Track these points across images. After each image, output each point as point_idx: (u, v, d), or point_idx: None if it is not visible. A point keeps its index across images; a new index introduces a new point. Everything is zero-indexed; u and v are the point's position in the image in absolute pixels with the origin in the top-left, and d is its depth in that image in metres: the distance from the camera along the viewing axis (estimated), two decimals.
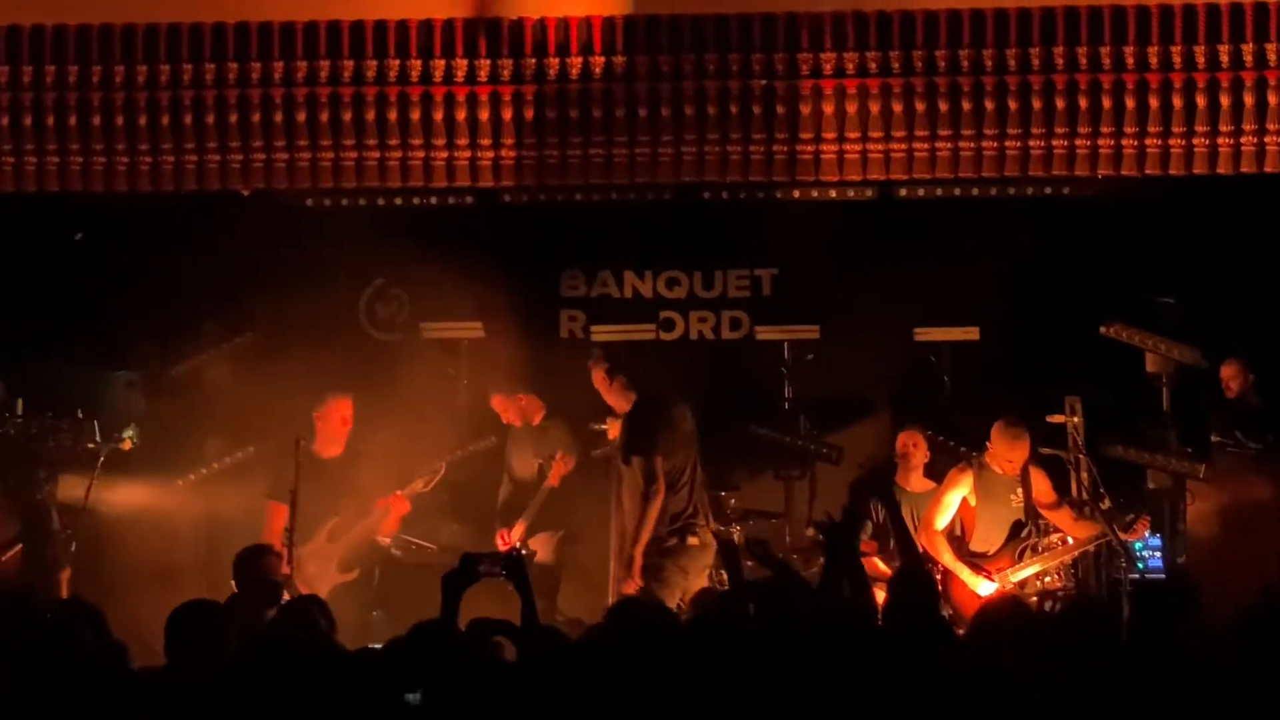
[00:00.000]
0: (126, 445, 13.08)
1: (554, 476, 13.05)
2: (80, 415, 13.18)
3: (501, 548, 12.96)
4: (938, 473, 12.95)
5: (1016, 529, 12.42)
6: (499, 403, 13.39)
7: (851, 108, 12.28)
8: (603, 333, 14.33)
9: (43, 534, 12.78)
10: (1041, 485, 12.47)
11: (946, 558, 12.35)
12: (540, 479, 13.18)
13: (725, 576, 9.95)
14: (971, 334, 14.16)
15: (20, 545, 12.85)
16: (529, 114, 12.26)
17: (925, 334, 14.24)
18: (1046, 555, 12.45)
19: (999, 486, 12.47)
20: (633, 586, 11.75)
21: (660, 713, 6.78)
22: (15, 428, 12.90)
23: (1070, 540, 12.47)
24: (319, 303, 13.78)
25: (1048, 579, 12.42)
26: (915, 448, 13.02)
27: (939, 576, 12.12)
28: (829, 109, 12.29)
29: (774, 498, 14.09)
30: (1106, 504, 12.36)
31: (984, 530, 12.50)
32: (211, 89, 12.26)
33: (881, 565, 12.36)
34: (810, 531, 12.68)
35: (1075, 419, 12.71)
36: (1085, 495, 12.53)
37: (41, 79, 12.37)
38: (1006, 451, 12.31)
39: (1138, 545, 12.82)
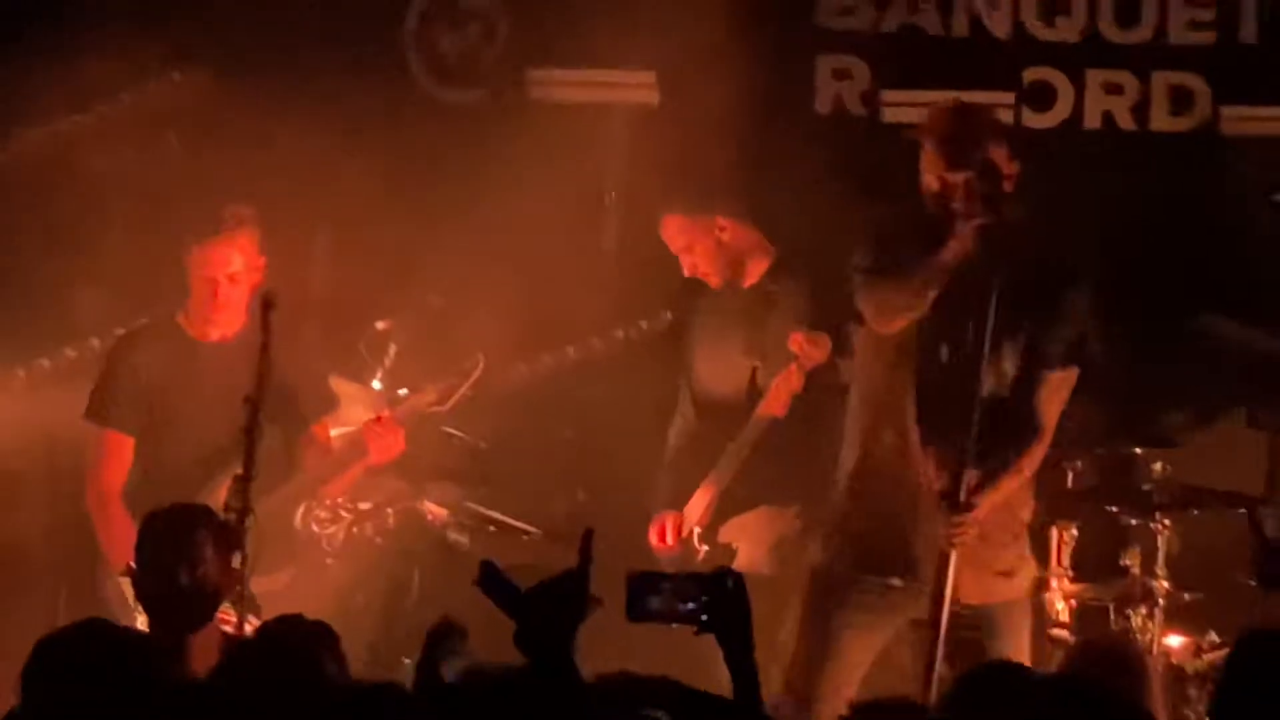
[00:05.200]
0: None
1: (779, 392, 8.43)
2: None
3: (660, 543, 8.59)
4: None
5: None
6: (676, 230, 8.82)
7: None
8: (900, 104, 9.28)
9: None
10: None
11: None
12: (752, 398, 8.57)
13: None
14: None
15: None
16: None
17: None
18: None
19: None
20: None
21: None
22: None
23: None
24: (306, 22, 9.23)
25: None
26: None
27: None
28: None
29: (1243, 467, 8.76)
30: None
31: None
32: None
33: None
34: None
35: None
36: None
37: None
38: None
39: None
